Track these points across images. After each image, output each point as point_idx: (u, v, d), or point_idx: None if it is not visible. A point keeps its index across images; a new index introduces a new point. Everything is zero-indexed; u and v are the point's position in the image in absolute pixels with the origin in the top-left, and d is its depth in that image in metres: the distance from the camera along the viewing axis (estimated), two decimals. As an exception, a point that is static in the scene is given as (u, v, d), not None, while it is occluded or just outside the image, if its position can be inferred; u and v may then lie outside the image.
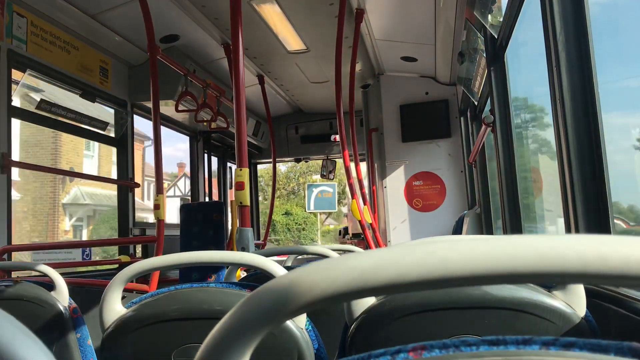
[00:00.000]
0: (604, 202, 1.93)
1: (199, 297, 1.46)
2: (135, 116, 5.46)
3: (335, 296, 0.42)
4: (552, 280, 0.41)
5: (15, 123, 4.07)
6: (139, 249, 5.71)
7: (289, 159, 8.51)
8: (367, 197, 5.83)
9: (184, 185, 28.08)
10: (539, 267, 0.40)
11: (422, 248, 0.42)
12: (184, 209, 4.97)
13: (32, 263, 2.31)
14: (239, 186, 3.05)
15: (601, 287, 1.68)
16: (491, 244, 0.41)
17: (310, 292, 0.43)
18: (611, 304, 1.60)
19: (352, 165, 5.11)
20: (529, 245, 0.40)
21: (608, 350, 0.46)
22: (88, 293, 3.79)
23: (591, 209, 1.95)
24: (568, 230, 2.06)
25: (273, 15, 4.66)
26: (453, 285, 0.41)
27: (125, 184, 5.27)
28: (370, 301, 1.37)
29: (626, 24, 2.40)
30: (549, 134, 2.73)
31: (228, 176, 8.12)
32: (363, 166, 6.89)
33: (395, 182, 6.40)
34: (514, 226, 3.54)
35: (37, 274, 2.37)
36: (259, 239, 8.02)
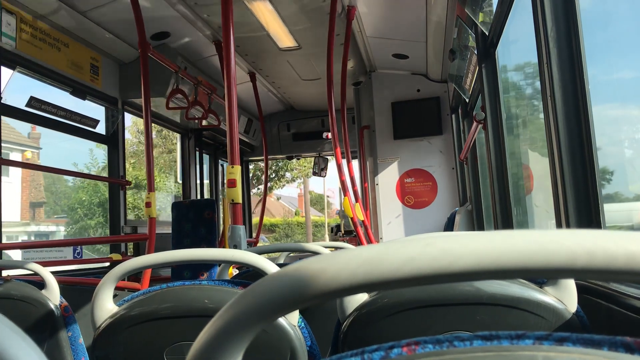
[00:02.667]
0: (595, 197, 1.94)
1: (191, 294, 1.45)
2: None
3: (331, 292, 0.42)
4: (557, 275, 0.41)
5: None
6: (130, 247, 5.69)
7: (281, 156, 8.51)
8: (359, 194, 5.83)
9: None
10: (546, 262, 0.40)
11: (422, 242, 0.42)
12: (176, 207, 4.96)
13: (23, 261, 2.29)
14: (231, 183, 3.04)
15: (592, 282, 1.69)
16: (505, 239, 0.41)
17: (307, 288, 0.43)
18: (602, 300, 1.61)
19: (344, 162, 5.11)
20: (535, 241, 0.40)
21: (601, 345, 0.46)
22: (79, 291, 3.77)
23: (582, 204, 1.96)
24: (559, 225, 2.07)
25: (264, 12, 4.65)
26: (467, 279, 0.41)
27: (117, 181, 5.25)
28: (362, 298, 1.37)
29: (619, 15, 2.41)
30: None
31: (220, 174, 8.10)
32: (355, 163, 6.90)
33: (387, 179, 6.41)
34: (505, 223, 3.55)
35: (28, 272, 2.36)
36: (251, 236, 8.01)
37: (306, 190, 28.77)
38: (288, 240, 27.03)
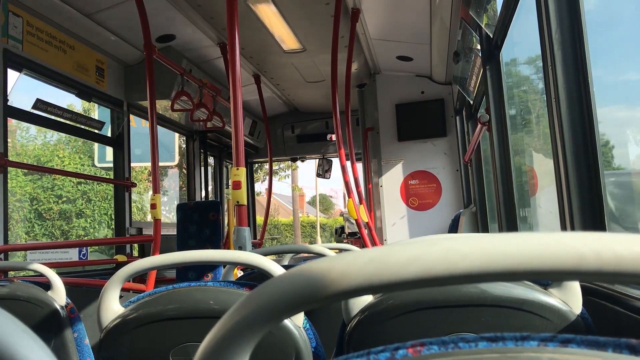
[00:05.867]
0: (599, 199, 1.93)
1: (196, 296, 1.46)
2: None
3: (337, 294, 0.43)
4: (565, 278, 0.41)
5: None
6: (135, 248, 5.71)
7: (285, 158, 8.52)
8: (363, 196, 5.83)
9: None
10: (554, 265, 0.40)
11: (428, 245, 0.42)
12: (181, 208, 4.97)
13: (29, 263, 2.30)
14: (236, 185, 3.05)
15: (597, 284, 1.69)
16: (511, 241, 0.41)
17: (313, 290, 0.43)
18: (606, 301, 1.60)
19: (348, 164, 5.11)
20: (542, 243, 0.40)
21: (605, 347, 0.46)
22: (85, 293, 3.79)
23: (587, 206, 1.96)
24: (564, 227, 2.07)
25: (269, 15, 4.66)
26: (473, 281, 0.42)
27: (122, 183, 5.26)
28: (367, 299, 1.37)
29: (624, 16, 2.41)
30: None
31: (224, 175, 8.12)
32: (359, 165, 6.90)
33: (391, 181, 6.41)
34: (510, 225, 3.54)
35: (34, 273, 2.37)
36: (255, 238, 8.02)
37: (294, 183, 26.83)
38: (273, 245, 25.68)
